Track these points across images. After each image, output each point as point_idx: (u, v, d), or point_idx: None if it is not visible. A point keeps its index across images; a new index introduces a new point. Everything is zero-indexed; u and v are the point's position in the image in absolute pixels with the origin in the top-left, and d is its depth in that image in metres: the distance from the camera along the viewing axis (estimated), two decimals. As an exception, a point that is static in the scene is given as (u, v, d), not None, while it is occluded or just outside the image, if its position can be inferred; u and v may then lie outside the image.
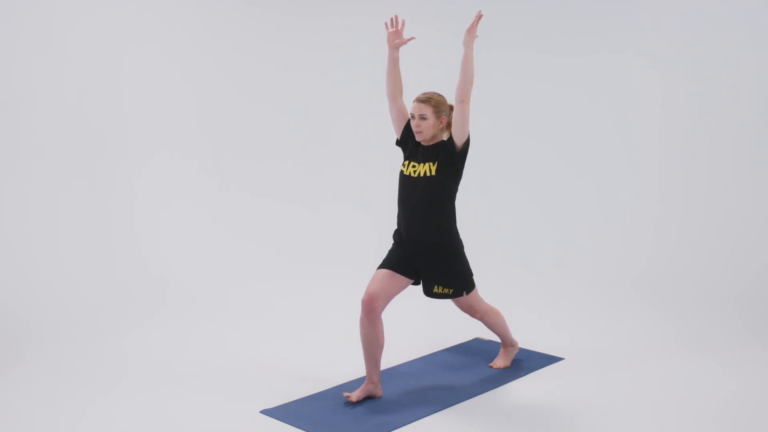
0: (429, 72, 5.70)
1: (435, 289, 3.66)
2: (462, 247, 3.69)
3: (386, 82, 3.72)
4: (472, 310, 3.84)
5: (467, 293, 3.72)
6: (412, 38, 3.70)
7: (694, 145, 5.67)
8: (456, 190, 3.63)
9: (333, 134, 6.37)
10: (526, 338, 4.30)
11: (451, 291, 3.66)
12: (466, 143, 3.56)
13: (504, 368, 4.01)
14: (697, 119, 5.66)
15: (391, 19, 3.69)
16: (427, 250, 3.61)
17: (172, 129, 5.75)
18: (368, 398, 3.60)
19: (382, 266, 3.64)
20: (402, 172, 3.65)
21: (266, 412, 3.48)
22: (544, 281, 5.57)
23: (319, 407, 3.53)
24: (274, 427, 3.36)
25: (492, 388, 3.75)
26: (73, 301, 4.90)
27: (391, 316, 4.16)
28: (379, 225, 4.91)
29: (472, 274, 3.74)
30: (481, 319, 3.89)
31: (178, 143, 5.77)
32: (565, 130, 6.13)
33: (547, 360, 4.11)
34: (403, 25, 3.69)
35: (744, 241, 5.39)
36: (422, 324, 4.67)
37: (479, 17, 3.49)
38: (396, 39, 3.67)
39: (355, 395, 3.56)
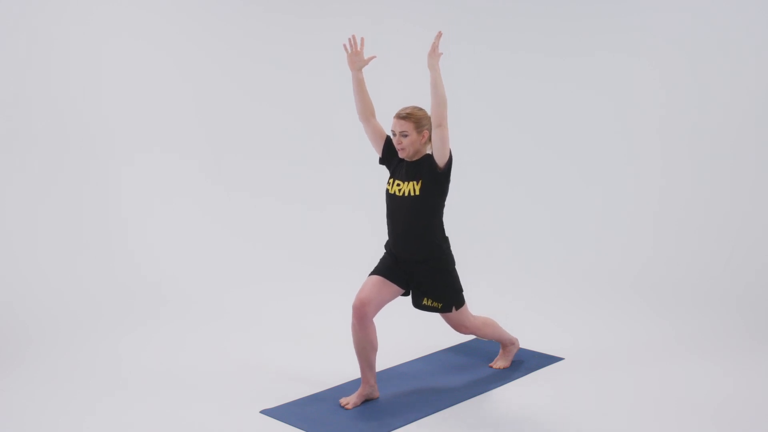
0: (428, 72, 5.68)
1: (424, 302, 3.64)
2: (453, 262, 3.66)
3: (355, 104, 3.65)
4: (462, 327, 3.79)
5: (456, 309, 3.69)
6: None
7: (694, 145, 5.66)
8: (443, 205, 3.60)
9: (333, 134, 6.37)
10: (526, 338, 4.30)
11: (440, 305, 3.64)
12: (449, 162, 3.52)
13: (504, 368, 4.01)
14: (697, 119, 5.66)
15: (349, 40, 3.61)
16: (417, 263, 3.59)
17: (172, 129, 5.74)
18: (366, 401, 3.59)
19: (374, 273, 3.62)
20: (387, 190, 3.61)
21: (266, 412, 3.49)
22: (544, 281, 5.57)
23: (319, 407, 3.54)
24: (274, 427, 3.36)
25: (492, 388, 3.76)
26: (73, 302, 4.89)
27: (390, 316, 4.17)
28: (379, 226, 4.89)
29: (461, 290, 3.70)
30: (473, 334, 3.86)
31: (178, 143, 5.77)
32: (566, 130, 6.12)
33: (547, 360, 4.11)
34: (362, 44, 3.62)
35: (744, 242, 5.39)
36: (421, 324, 4.66)
37: (439, 36, 3.44)
38: (357, 61, 3.60)
39: (351, 402, 3.54)
